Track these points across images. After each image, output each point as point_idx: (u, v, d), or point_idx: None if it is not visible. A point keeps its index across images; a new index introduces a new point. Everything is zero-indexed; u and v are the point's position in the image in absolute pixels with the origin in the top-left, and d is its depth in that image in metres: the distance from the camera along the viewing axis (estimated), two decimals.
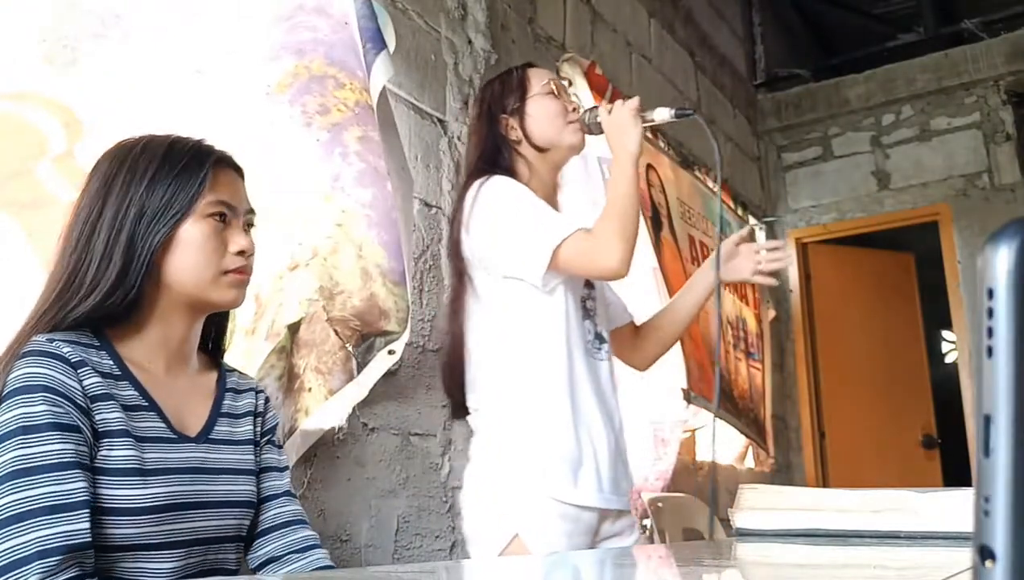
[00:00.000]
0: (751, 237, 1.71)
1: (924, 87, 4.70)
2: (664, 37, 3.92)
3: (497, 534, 1.40)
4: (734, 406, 3.79)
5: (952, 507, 0.90)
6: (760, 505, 1.01)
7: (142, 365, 1.00)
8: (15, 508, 0.83)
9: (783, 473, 4.48)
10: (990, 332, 0.29)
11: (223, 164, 1.06)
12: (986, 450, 0.29)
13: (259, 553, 1.09)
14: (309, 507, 1.68)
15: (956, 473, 4.74)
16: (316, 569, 1.08)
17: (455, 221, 1.53)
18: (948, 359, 6.57)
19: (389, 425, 2.01)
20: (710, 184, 4.00)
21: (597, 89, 2.97)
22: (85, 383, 0.92)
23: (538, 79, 1.60)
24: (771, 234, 4.93)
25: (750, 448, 4.03)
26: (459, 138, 2.40)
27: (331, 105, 1.83)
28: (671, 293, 2.91)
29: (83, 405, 0.91)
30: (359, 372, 1.84)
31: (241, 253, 1.04)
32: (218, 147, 1.07)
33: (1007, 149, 4.43)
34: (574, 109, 1.61)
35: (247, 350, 1.63)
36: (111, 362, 0.97)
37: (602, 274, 1.47)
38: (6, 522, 0.83)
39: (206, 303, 1.04)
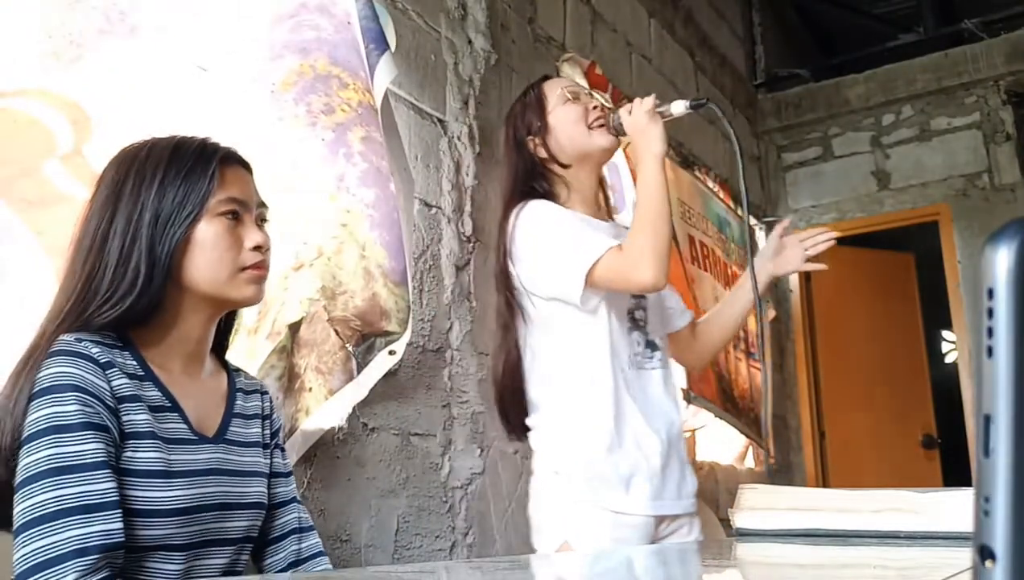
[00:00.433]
0: (791, 228, 1.72)
1: (924, 87, 4.70)
2: (664, 37, 3.92)
3: (549, 541, 1.48)
4: (734, 406, 3.79)
5: (952, 507, 0.90)
6: (760, 505, 1.01)
7: (162, 366, 1.00)
8: (51, 506, 0.84)
9: (783, 473, 4.48)
10: (990, 332, 0.29)
11: (230, 161, 1.06)
12: (986, 450, 0.29)
13: (269, 561, 1.10)
14: (309, 507, 1.68)
15: (956, 473, 4.74)
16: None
17: (499, 252, 1.56)
18: (948, 359, 6.57)
19: (389, 425, 2.01)
20: (710, 184, 4.00)
21: (597, 89, 2.97)
22: (114, 384, 0.92)
23: (552, 90, 1.61)
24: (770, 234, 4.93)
25: (750, 448, 4.03)
26: (459, 138, 2.40)
27: (335, 105, 1.83)
28: None
29: (111, 405, 0.91)
30: (359, 372, 1.84)
31: (257, 248, 1.04)
32: (223, 144, 1.07)
33: (1007, 149, 4.43)
34: (597, 108, 1.59)
35: (248, 349, 1.63)
36: (135, 363, 0.97)
37: (639, 290, 1.48)
38: (42, 519, 0.83)
39: (225, 301, 1.04)
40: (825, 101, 4.98)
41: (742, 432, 3.83)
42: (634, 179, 2.69)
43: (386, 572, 0.94)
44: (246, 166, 1.09)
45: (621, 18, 3.52)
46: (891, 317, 4.92)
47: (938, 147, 4.64)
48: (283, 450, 1.16)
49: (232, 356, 1.20)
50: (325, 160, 1.80)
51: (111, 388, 0.92)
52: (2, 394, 0.92)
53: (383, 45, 1.90)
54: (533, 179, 1.57)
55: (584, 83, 2.94)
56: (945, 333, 6.52)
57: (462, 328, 2.30)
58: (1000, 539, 0.29)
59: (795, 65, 5.25)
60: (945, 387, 5.06)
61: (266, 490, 1.08)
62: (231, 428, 1.06)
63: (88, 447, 0.87)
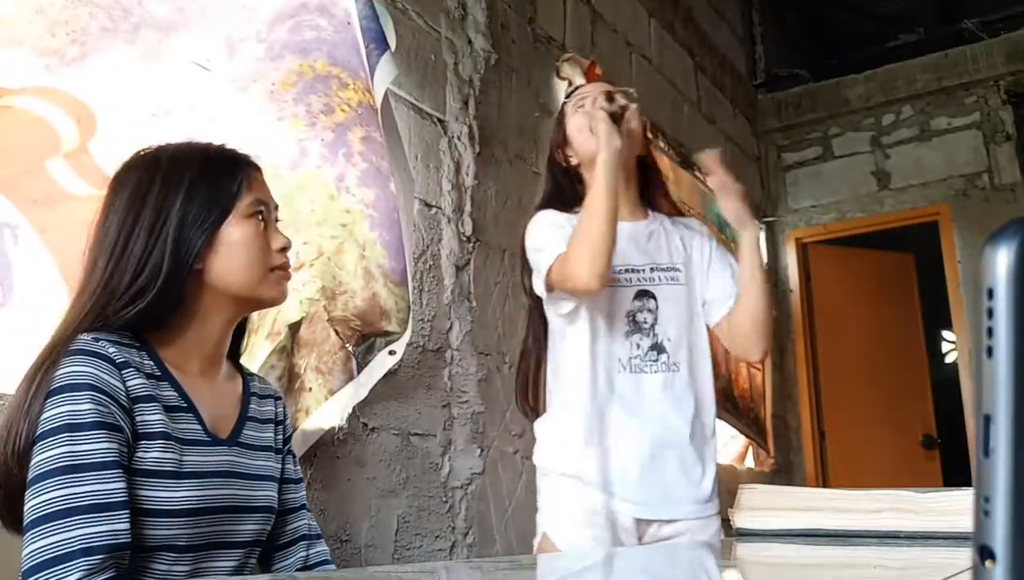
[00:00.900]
0: (713, 165, 1.64)
1: (924, 87, 4.70)
2: (664, 37, 3.92)
3: (537, 535, 1.56)
4: (734, 406, 3.79)
5: (952, 507, 0.90)
6: (760, 505, 1.01)
7: (179, 366, 1.01)
8: (59, 504, 0.85)
9: (783, 473, 4.48)
10: (990, 332, 0.29)
11: (253, 166, 1.09)
12: (986, 450, 0.29)
13: (277, 566, 1.11)
14: (309, 507, 1.68)
15: (956, 473, 4.74)
16: None
17: (523, 263, 1.62)
18: (948, 359, 6.57)
19: (389, 425, 2.01)
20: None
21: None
22: (129, 384, 0.93)
23: (571, 100, 1.65)
24: (771, 234, 4.94)
25: (750, 448, 4.03)
26: (459, 138, 2.40)
27: (335, 105, 1.83)
28: None
29: (126, 405, 0.92)
30: (359, 372, 1.84)
31: (282, 250, 1.07)
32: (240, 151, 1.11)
33: (1007, 149, 4.43)
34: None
35: (248, 349, 1.63)
36: (151, 363, 0.98)
37: (581, 294, 1.47)
38: (51, 517, 0.84)
39: (255, 301, 1.07)
40: (825, 101, 4.98)
41: (742, 432, 3.83)
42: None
43: (386, 572, 0.94)
44: (262, 172, 1.12)
45: (621, 18, 3.52)
46: (891, 317, 4.92)
47: (938, 147, 4.64)
48: (294, 456, 1.18)
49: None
50: (325, 160, 1.80)
51: (126, 388, 0.93)
52: (18, 393, 0.93)
53: (383, 45, 1.90)
54: (560, 190, 1.64)
55: (584, 83, 2.94)
56: (945, 333, 6.52)
57: (462, 328, 2.30)
58: (1000, 539, 0.29)
59: (795, 65, 5.25)
60: (945, 387, 5.05)
61: (276, 495, 1.09)
62: (245, 431, 1.07)
63: (99, 446, 0.88)
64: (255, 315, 1.21)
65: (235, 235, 1.02)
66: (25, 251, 1.34)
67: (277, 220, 1.11)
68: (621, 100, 1.57)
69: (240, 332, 1.16)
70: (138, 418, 0.93)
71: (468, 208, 2.39)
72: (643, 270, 1.58)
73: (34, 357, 0.96)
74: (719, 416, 3.58)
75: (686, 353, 1.56)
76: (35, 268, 1.35)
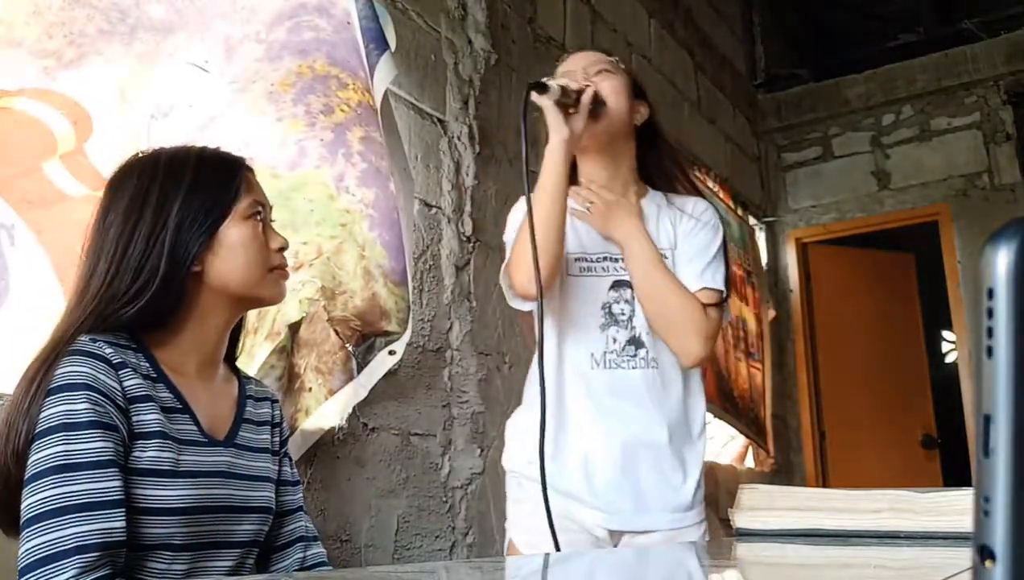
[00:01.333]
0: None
1: (924, 87, 4.71)
2: (664, 37, 3.92)
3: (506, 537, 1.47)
4: (734, 406, 3.79)
5: (952, 507, 0.90)
6: (760, 505, 1.01)
7: (176, 368, 1.02)
8: (54, 503, 0.85)
9: (783, 473, 4.48)
10: (990, 332, 0.29)
11: (248, 168, 1.11)
12: (986, 450, 0.29)
13: (274, 567, 1.11)
14: (309, 507, 1.68)
15: (956, 473, 4.74)
16: None
17: None
18: (948, 359, 6.57)
19: (389, 425, 2.01)
20: (710, 184, 4.00)
21: None
22: (126, 384, 0.94)
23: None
24: (771, 234, 4.94)
25: (750, 448, 4.03)
26: (459, 138, 2.40)
27: (334, 105, 1.83)
28: None
29: (122, 405, 0.93)
30: (359, 372, 1.84)
31: (280, 249, 1.09)
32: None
33: (1007, 149, 4.43)
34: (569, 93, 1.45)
35: (247, 349, 1.64)
36: (147, 364, 0.99)
37: (524, 297, 1.38)
38: (46, 515, 0.85)
39: (254, 300, 1.08)
40: (825, 101, 4.98)
41: (742, 432, 3.83)
42: None
43: (386, 572, 0.94)
44: (255, 173, 1.13)
45: (621, 18, 3.52)
46: (891, 317, 4.92)
47: (938, 147, 4.64)
48: (291, 459, 1.19)
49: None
50: (324, 160, 1.80)
51: (123, 388, 0.93)
52: (17, 393, 0.94)
53: (383, 45, 1.90)
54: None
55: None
56: (945, 333, 6.52)
57: (462, 328, 2.30)
58: (1000, 539, 0.29)
59: (795, 65, 5.25)
60: (945, 387, 5.06)
61: (273, 496, 1.10)
62: (241, 433, 1.07)
63: (95, 445, 0.88)
64: (254, 315, 1.22)
65: (235, 236, 1.03)
66: (21, 252, 1.34)
67: (272, 220, 1.12)
68: (574, 85, 1.44)
69: (236, 336, 1.17)
70: (134, 418, 0.93)
71: (468, 208, 2.39)
72: (621, 258, 1.43)
73: (31, 357, 0.96)
74: (719, 416, 3.60)
75: (668, 348, 1.42)
76: (31, 269, 1.35)
